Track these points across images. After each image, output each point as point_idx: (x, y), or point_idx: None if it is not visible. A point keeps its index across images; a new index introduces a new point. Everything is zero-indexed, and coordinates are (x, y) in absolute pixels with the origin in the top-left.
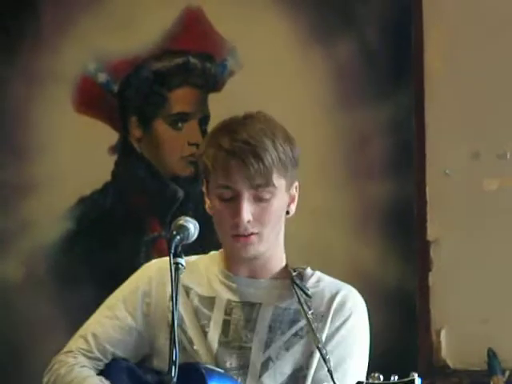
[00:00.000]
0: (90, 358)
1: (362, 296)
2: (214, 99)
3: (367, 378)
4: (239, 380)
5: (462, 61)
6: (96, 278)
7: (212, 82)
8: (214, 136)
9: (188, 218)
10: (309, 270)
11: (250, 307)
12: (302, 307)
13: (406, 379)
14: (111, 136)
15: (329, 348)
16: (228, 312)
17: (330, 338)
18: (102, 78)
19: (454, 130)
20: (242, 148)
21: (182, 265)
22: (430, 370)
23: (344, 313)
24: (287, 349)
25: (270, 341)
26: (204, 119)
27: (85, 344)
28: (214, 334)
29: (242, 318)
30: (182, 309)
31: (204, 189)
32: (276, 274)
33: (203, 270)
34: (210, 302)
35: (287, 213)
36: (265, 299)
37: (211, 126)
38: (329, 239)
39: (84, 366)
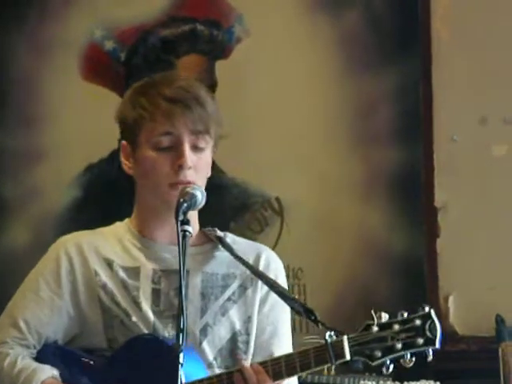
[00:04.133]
0: (25, 346)
1: (369, 262)
2: (221, 66)
3: (372, 318)
4: None
5: (469, 27)
6: None
7: (219, 50)
8: (146, 88)
9: (195, 186)
10: (219, 232)
11: (178, 275)
12: (239, 258)
13: (420, 313)
14: (118, 104)
15: (264, 311)
16: (156, 281)
17: (263, 300)
18: (109, 45)
19: (462, 95)
20: (184, 95)
21: (190, 232)
22: None
23: (270, 274)
24: (223, 314)
25: (205, 307)
26: (211, 86)
27: (17, 332)
28: (146, 305)
29: (172, 286)
30: (110, 282)
31: (124, 151)
32: (194, 241)
33: (114, 240)
34: (134, 272)
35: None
36: (190, 266)
37: (219, 93)
38: (336, 205)
39: (25, 357)
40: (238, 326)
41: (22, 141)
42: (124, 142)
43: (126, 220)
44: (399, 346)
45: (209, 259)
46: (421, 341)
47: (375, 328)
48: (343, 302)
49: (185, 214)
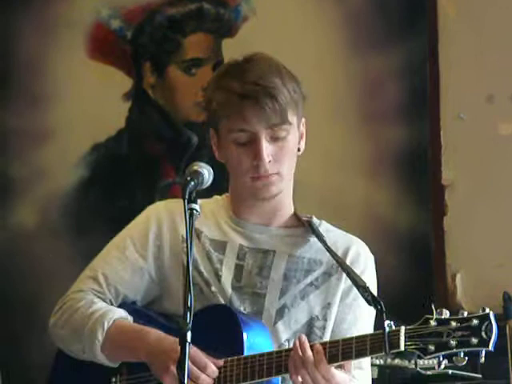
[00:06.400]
0: (101, 299)
1: (376, 241)
2: (227, 45)
3: (438, 313)
4: None
5: (476, 3)
6: (110, 224)
7: (226, 28)
8: (219, 81)
9: (202, 164)
10: (315, 219)
11: (264, 254)
12: (328, 248)
13: (480, 313)
14: (125, 82)
15: (347, 301)
16: (241, 257)
17: (347, 291)
18: (116, 24)
19: (468, 73)
20: (254, 89)
21: (197, 210)
22: None
23: (358, 267)
24: (302, 297)
25: (286, 289)
26: (218, 65)
27: (96, 285)
28: (226, 278)
29: (256, 264)
30: (196, 251)
31: (212, 138)
32: (286, 222)
33: (209, 213)
34: (221, 245)
35: (298, 150)
36: (278, 247)
37: None
38: (342, 183)
39: (100, 302)
40: (316, 311)
41: (28, 120)
42: (211, 130)
43: (224, 196)
44: (453, 343)
45: (298, 243)
46: (475, 341)
47: (433, 323)
48: None
49: (191, 192)
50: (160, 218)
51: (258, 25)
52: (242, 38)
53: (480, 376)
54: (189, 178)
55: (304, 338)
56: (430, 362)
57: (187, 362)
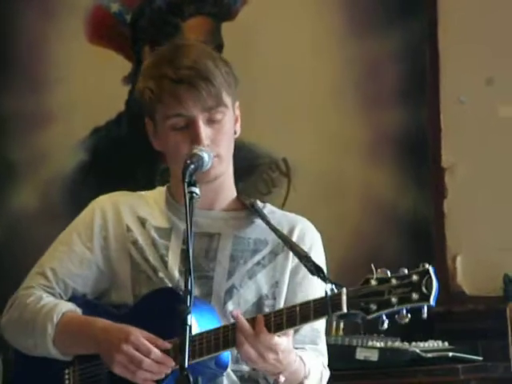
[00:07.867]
0: (51, 294)
1: (376, 224)
2: (227, 28)
3: (378, 273)
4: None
5: None
6: None
7: (225, 11)
8: (152, 70)
9: (202, 147)
10: (259, 202)
11: (209, 238)
12: (272, 227)
13: (419, 269)
14: (124, 66)
15: (297, 279)
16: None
17: (296, 269)
18: (115, 7)
19: (468, 55)
20: (188, 74)
21: (197, 193)
22: (446, 297)
23: (304, 245)
24: (250, 277)
25: (233, 270)
26: (217, 48)
27: (45, 280)
28: (173, 264)
29: (203, 248)
30: (141, 240)
31: (148, 128)
32: (229, 205)
33: (153, 202)
34: (165, 232)
35: (234, 133)
36: (223, 229)
37: (225, 54)
38: (343, 166)
39: (49, 296)
40: (264, 290)
41: (29, 104)
42: (146, 119)
43: (166, 186)
44: (394, 300)
45: (242, 224)
46: (416, 296)
47: (373, 282)
48: (350, 264)
49: (191, 175)
50: (104, 209)
51: (257, 8)
52: (241, 22)
53: (481, 358)
54: (188, 161)
55: (235, 312)
56: (429, 344)
57: (187, 346)
